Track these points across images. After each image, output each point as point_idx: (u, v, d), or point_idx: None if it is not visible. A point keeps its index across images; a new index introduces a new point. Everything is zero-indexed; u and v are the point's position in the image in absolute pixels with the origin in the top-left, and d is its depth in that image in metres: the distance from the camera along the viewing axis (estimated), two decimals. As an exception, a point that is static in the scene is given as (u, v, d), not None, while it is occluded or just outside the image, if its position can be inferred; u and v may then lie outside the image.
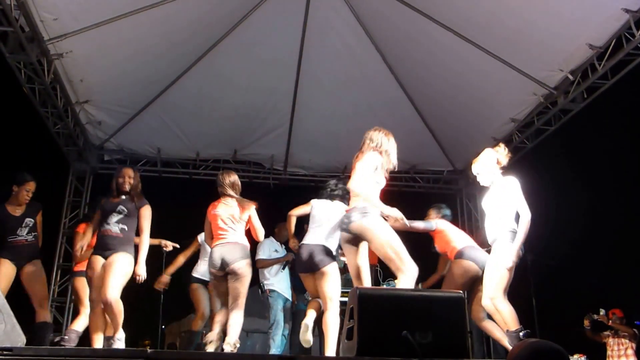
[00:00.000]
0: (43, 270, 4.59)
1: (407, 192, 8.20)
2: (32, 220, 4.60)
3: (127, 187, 4.00)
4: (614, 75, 5.40)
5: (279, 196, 7.97)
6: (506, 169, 3.96)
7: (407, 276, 3.31)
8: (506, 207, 3.75)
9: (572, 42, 5.32)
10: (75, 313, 4.84)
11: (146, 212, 4.01)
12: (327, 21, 6.29)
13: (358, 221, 3.47)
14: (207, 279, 4.88)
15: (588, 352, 5.26)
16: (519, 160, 7.04)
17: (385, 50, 6.61)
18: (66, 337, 4.39)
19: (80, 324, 4.55)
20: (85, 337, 4.76)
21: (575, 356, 5.03)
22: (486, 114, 6.78)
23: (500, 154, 3.97)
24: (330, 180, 4.49)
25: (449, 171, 8.23)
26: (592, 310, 6.32)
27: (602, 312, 6.23)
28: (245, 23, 6.23)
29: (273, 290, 5.36)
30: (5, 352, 2.36)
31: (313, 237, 4.12)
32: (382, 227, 3.44)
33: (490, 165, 3.94)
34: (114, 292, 3.68)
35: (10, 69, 5.32)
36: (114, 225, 3.88)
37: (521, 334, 3.49)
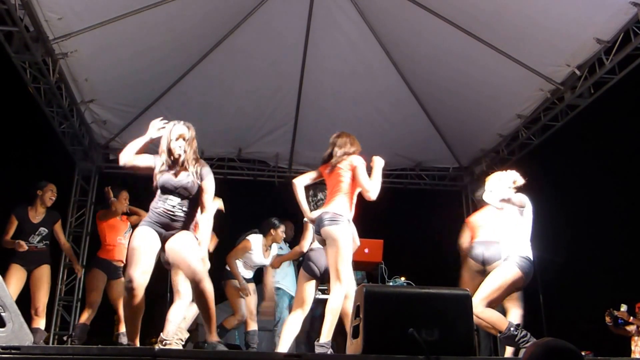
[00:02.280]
0: (49, 277, 4.68)
1: (412, 189, 8.17)
2: (47, 230, 4.71)
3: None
4: (622, 69, 5.33)
5: (283, 194, 7.93)
6: (521, 189, 3.86)
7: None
8: (516, 227, 3.70)
9: (579, 37, 5.27)
10: (82, 309, 4.94)
11: None
12: (331, 18, 6.26)
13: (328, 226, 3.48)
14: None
15: (594, 348, 5.21)
16: (526, 156, 7.00)
17: (390, 46, 6.58)
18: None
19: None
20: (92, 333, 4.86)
21: (582, 353, 4.95)
22: (492, 110, 6.74)
23: (514, 176, 3.84)
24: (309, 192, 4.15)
25: (454, 168, 8.19)
26: (613, 306, 6.14)
27: (624, 307, 6.03)
28: (250, 21, 6.22)
29: (279, 288, 5.36)
30: (13, 351, 2.37)
31: None
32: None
33: (502, 187, 3.79)
34: None
35: (16, 69, 5.34)
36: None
37: (511, 329, 3.43)
